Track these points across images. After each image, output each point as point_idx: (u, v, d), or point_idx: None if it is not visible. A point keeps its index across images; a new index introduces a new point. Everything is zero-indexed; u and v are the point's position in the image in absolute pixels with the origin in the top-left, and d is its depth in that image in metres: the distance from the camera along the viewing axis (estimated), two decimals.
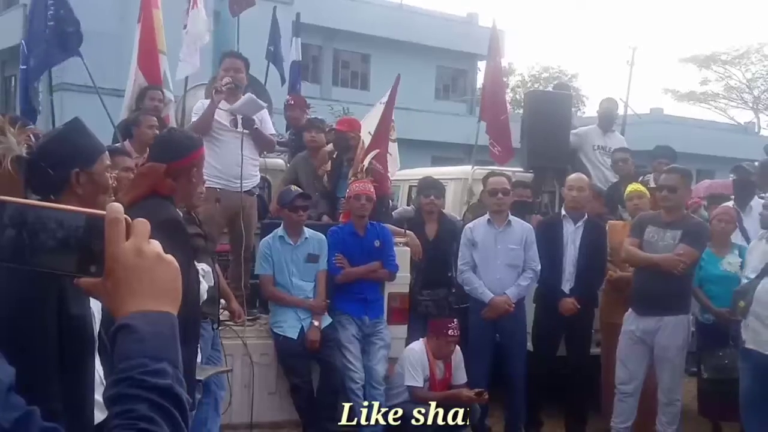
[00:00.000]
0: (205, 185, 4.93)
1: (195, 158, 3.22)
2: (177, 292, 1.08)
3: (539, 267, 5.85)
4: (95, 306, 2.24)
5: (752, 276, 5.07)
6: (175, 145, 3.22)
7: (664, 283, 5.40)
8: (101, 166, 2.37)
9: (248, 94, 5.77)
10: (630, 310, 5.67)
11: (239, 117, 5.71)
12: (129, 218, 1.05)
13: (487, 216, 5.96)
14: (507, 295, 5.74)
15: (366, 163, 6.10)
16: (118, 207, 1.04)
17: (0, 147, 2.31)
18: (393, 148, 7.16)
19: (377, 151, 6.28)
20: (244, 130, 5.73)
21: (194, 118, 5.80)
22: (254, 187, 6.01)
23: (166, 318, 1.04)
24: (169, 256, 1.08)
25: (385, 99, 7.57)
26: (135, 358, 0.98)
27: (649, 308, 5.50)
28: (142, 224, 1.06)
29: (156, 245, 1.06)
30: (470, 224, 6.06)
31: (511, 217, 5.92)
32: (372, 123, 7.20)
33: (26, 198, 2.17)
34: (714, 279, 5.91)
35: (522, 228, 5.92)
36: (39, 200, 1.12)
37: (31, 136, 2.37)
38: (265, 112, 6.03)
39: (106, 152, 2.44)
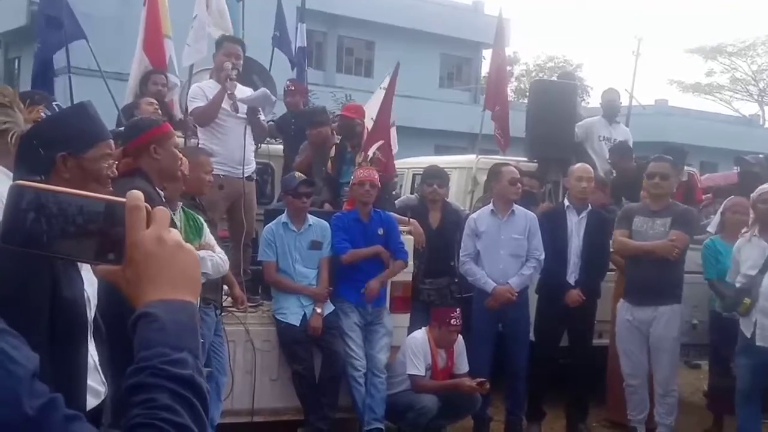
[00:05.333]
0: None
1: (148, 137, 3.41)
2: (197, 280, 1.08)
3: (543, 256, 5.82)
4: (90, 290, 2.22)
5: (752, 273, 5.06)
6: (128, 128, 3.60)
7: (658, 272, 5.47)
8: (96, 153, 2.30)
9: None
10: (621, 300, 5.72)
11: (240, 104, 5.69)
12: (149, 206, 1.04)
13: (490, 206, 5.95)
14: (509, 284, 5.74)
15: (371, 153, 6.09)
16: (138, 194, 1.03)
17: (7, 122, 2.28)
18: (392, 132, 7.16)
19: (382, 141, 6.27)
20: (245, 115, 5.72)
21: (193, 103, 5.73)
22: (252, 173, 6.01)
23: (186, 307, 1.04)
24: (189, 245, 1.07)
25: (385, 84, 7.55)
26: (156, 347, 0.98)
27: (644, 298, 5.55)
28: (162, 212, 1.06)
29: (176, 234, 1.06)
30: (474, 215, 6.04)
31: (514, 207, 5.90)
32: (373, 109, 7.19)
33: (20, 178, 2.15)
34: None
35: (526, 217, 5.90)
36: (29, 180, 1.11)
37: (42, 114, 2.34)
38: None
39: (108, 141, 2.37)
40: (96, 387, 2.25)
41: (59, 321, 2.08)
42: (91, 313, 2.24)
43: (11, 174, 2.30)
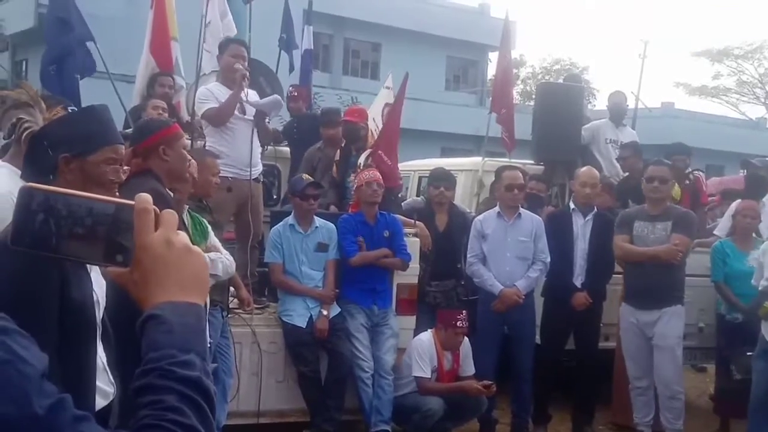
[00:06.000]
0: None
1: (158, 137, 3.41)
2: (204, 283, 1.09)
3: (549, 259, 5.84)
4: (99, 292, 2.23)
5: None
6: (138, 130, 3.65)
7: (661, 275, 5.49)
8: (99, 157, 2.27)
9: (275, 96, 5.81)
10: (624, 305, 5.71)
11: (247, 106, 5.71)
12: (158, 209, 1.04)
13: (497, 208, 5.95)
14: (516, 287, 5.74)
15: (361, 161, 6.13)
16: (146, 197, 1.04)
17: (26, 122, 2.28)
18: None
19: (371, 150, 6.29)
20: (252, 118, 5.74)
21: (204, 105, 5.74)
22: (259, 175, 6.02)
23: (194, 309, 1.05)
24: (197, 248, 1.08)
25: (389, 83, 7.56)
26: (164, 349, 0.99)
27: (648, 302, 5.56)
28: (170, 215, 1.06)
29: (184, 236, 1.07)
30: (480, 217, 6.04)
31: (521, 209, 5.90)
32: (376, 109, 7.20)
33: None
34: (740, 275, 5.74)
35: (532, 220, 5.91)
36: (38, 181, 1.11)
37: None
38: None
39: (115, 146, 2.34)
40: (104, 388, 2.25)
41: (68, 322, 2.08)
42: (99, 314, 2.24)
43: (20, 172, 2.31)
